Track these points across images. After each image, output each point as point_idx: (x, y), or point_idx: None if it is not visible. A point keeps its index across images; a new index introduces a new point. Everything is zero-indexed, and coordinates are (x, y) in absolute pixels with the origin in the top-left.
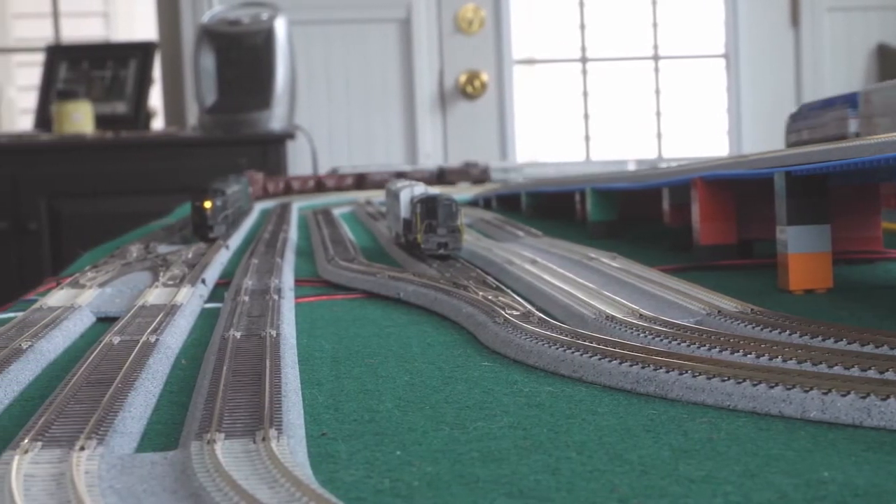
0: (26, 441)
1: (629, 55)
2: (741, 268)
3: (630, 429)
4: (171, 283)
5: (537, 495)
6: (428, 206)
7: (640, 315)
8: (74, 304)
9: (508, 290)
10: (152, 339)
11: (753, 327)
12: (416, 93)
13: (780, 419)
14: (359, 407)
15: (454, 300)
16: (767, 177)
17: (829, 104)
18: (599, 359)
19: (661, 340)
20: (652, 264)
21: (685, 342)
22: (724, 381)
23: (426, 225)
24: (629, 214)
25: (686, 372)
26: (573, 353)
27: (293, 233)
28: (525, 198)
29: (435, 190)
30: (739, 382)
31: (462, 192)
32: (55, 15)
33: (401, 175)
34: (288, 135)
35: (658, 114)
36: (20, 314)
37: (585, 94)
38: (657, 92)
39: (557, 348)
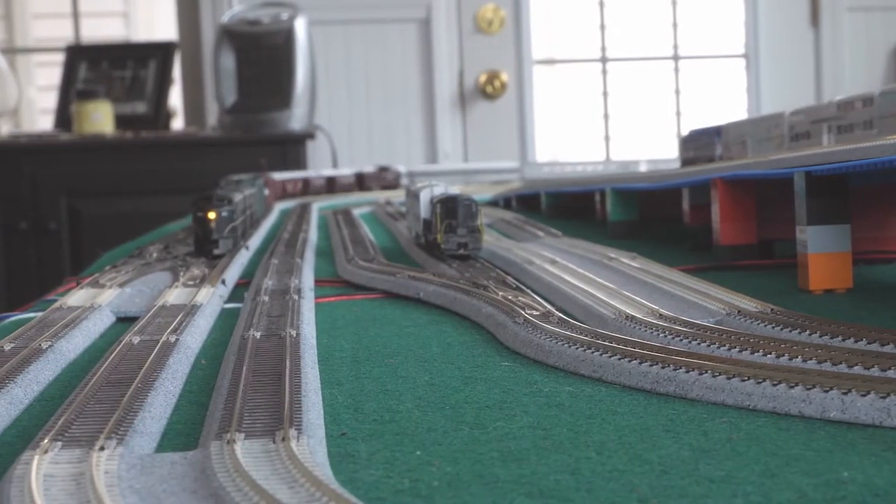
0: (46, 441)
1: (649, 55)
2: (761, 268)
3: (650, 429)
4: (191, 283)
5: (557, 495)
6: (448, 206)
7: (660, 315)
8: (94, 303)
9: (528, 290)
10: (172, 338)
11: (773, 327)
12: (435, 93)
13: (800, 419)
14: (379, 407)
15: (474, 300)
16: (787, 177)
17: (705, 133)
18: (619, 359)
19: (681, 340)
20: (672, 264)
21: (705, 342)
22: (743, 380)
23: (446, 225)
24: (649, 214)
25: (706, 372)
26: (593, 353)
27: (313, 233)
28: (545, 198)
29: (455, 190)
30: (759, 382)
31: (482, 191)
32: (75, 15)
33: (330, 180)
34: (308, 135)
35: (678, 114)
36: (40, 314)
37: (605, 94)
38: (677, 92)
39: (577, 348)
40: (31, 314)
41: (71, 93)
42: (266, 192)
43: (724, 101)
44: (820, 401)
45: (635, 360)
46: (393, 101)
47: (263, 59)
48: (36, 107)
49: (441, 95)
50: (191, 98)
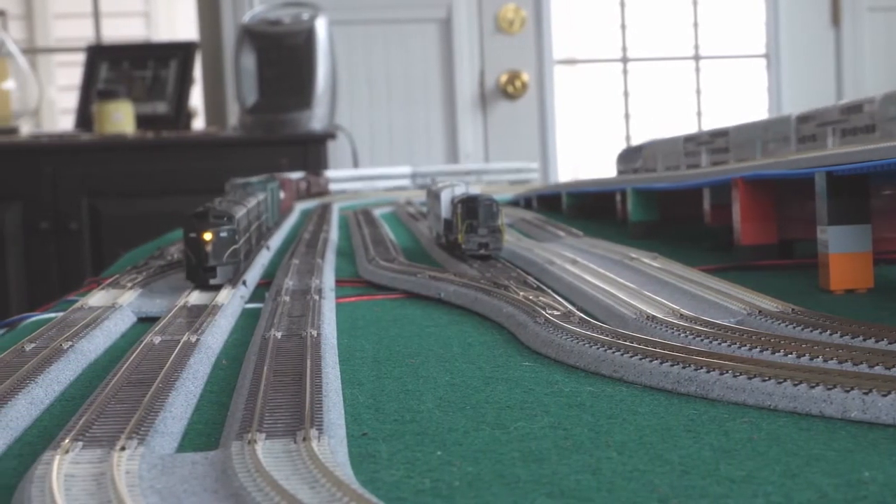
0: (67, 441)
1: (670, 55)
2: (782, 268)
3: (671, 429)
4: None
5: (578, 495)
6: (469, 206)
7: (681, 315)
8: (115, 304)
9: (549, 290)
10: (193, 339)
11: (794, 327)
12: (456, 93)
13: (821, 419)
14: (399, 407)
15: (495, 300)
16: (808, 177)
17: (638, 149)
18: (640, 359)
19: (702, 340)
20: (693, 264)
21: (726, 342)
22: (764, 381)
23: (467, 225)
24: (670, 214)
25: (727, 372)
26: (614, 352)
27: (334, 233)
28: (565, 198)
29: (476, 190)
30: (780, 382)
31: (503, 191)
32: (96, 15)
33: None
34: (329, 135)
35: (699, 114)
36: (61, 314)
37: (626, 93)
38: (698, 92)
39: (598, 348)
40: (52, 314)
41: (92, 93)
42: (282, 194)
43: (744, 101)
44: (841, 401)
45: (656, 360)
46: (414, 101)
47: (284, 59)
48: (57, 107)
49: (462, 95)
50: (211, 98)
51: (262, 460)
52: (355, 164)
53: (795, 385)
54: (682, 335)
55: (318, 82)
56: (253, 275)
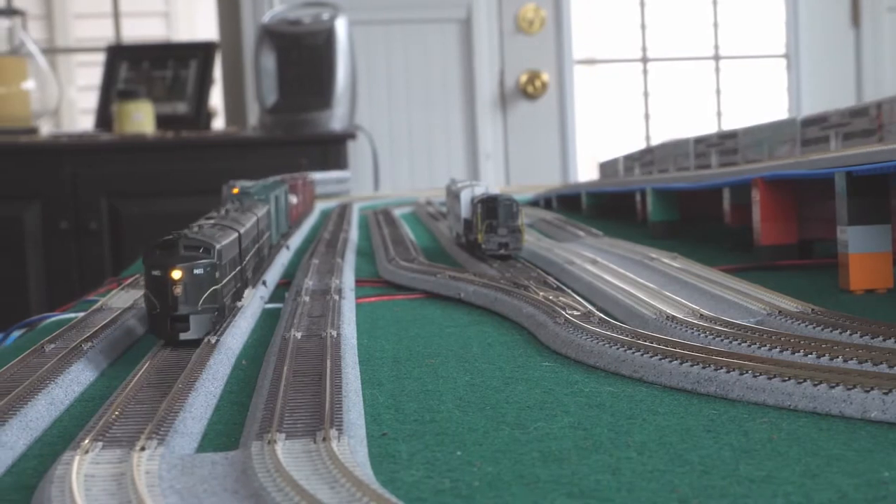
0: (87, 441)
1: (690, 55)
2: (802, 268)
3: (690, 429)
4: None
5: (598, 495)
6: (488, 206)
7: (701, 315)
8: (135, 304)
9: (569, 291)
10: (213, 339)
11: (814, 327)
12: (476, 93)
13: (841, 419)
14: (419, 407)
15: (515, 300)
16: (828, 177)
17: (616, 161)
18: (660, 359)
19: (722, 340)
20: (713, 264)
21: (746, 342)
22: (784, 381)
23: (487, 225)
24: (690, 214)
25: (746, 372)
26: (634, 353)
27: (354, 233)
28: (585, 198)
29: (496, 190)
30: (800, 382)
31: (523, 191)
32: (116, 15)
33: None
34: (349, 135)
35: (719, 114)
36: (81, 314)
37: (646, 93)
38: (718, 92)
39: (618, 348)
40: (72, 314)
41: (112, 93)
42: (295, 199)
43: (764, 101)
44: (861, 401)
45: (676, 360)
46: (433, 101)
47: (304, 59)
48: (77, 107)
49: (482, 95)
50: (231, 98)
51: (282, 460)
52: (375, 164)
53: (815, 385)
54: (702, 335)
55: (338, 82)
56: (273, 275)
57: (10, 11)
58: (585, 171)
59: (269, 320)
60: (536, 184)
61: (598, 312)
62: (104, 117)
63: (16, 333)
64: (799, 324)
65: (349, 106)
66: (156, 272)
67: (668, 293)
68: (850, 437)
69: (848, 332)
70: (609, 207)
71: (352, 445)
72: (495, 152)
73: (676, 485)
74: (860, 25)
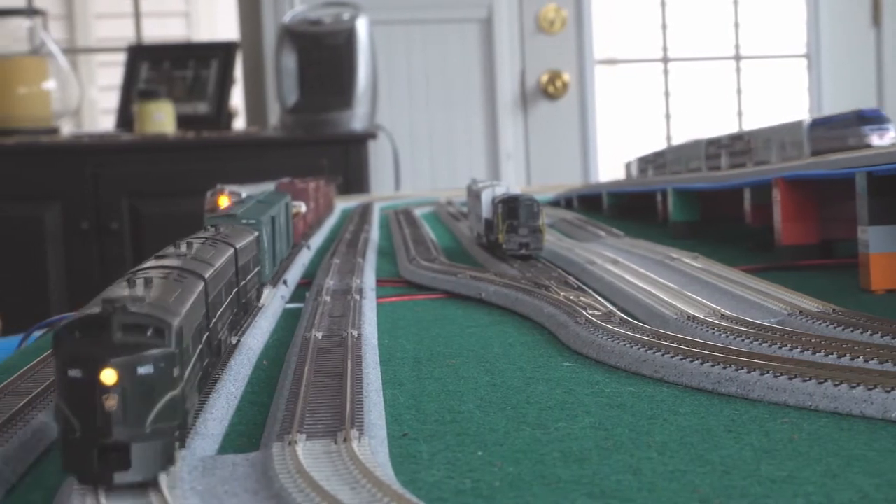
0: None
1: (710, 55)
2: (822, 268)
3: (711, 429)
4: None
5: (619, 496)
6: (509, 206)
7: (722, 315)
8: None
9: (590, 291)
10: (234, 340)
11: (835, 327)
12: (497, 93)
13: (862, 419)
14: (440, 407)
15: (535, 300)
16: (849, 177)
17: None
18: (681, 359)
19: (743, 341)
20: (733, 264)
21: (767, 342)
22: (805, 381)
23: (508, 225)
24: (711, 214)
25: (767, 372)
26: (655, 353)
27: (374, 233)
28: (606, 198)
29: (517, 190)
30: (821, 382)
31: (543, 191)
32: (136, 15)
33: None
34: (369, 134)
35: (739, 114)
36: None
37: (667, 93)
38: (738, 92)
39: (639, 348)
40: None
41: (132, 93)
42: (304, 208)
43: (785, 101)
44: (881, 401)
45: (697, 360)
46: (454, 101)
47: (325, 58)
48: (97, 107)
49: (503, 95)
50: (252, 98)
51: (303, 461)
52: (396, 164)
53: (836, 385)
54: (723, 335)
55: (359, 82)
56: (294, 274)
57: (31, 11)
58: (606, 172)
59: (289, 320)
60: (557, 184)
61: (618, 312)
62: (125, 117)
63: (36, 334)
64: (820, 324)
65: (370, 106)
66: (74, 372)
67: (688, 293)
68: (871, 438)
69: (869, 332)
70: (630, 207)
71: (373, 446)
72: (516, 152)
73: (697, 485)
74: (881, 25)
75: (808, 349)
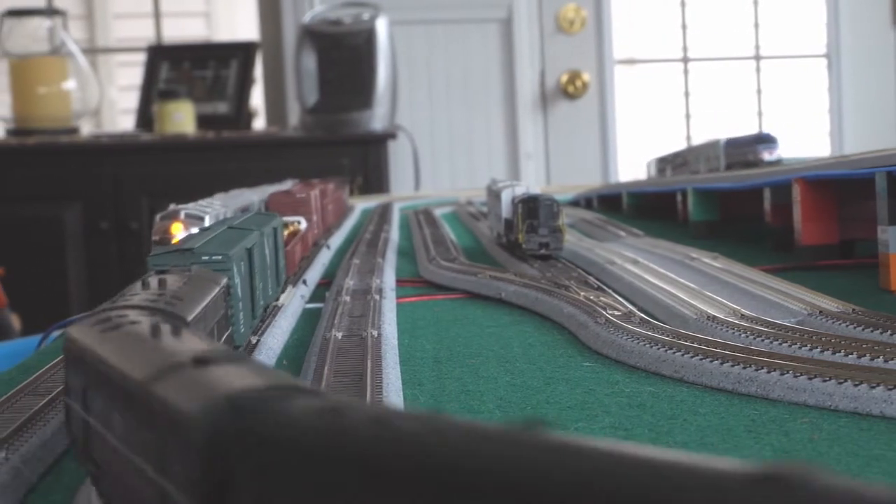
0: None
1: (730, 55)
2: (843, 268)
3: (731, 429)
4: None
5: None
6: (529, 206)
7: (742, 315)
8: None
9: (610, 291)
10: (254, 339)
11: (855, 327)
12: (517, 93)
13: (882, 419)
14: (460, 408)
15: (555, 300)
16: (869, 177)
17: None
18: (701, 359)
19: (763, 341)
20: (753, 264)
21: (786, 342)
22: (825, 381)
23: (527, 225)
24: (731, 214)
25: (787, 372)
26: (674, 353)
27: (394, 233)
28: (626, 197)
29: (536, 190)
30: (841, 383)
31: (563, 191)
32: (156, 15)
33: None
34: (389, 135)
35: (759, 114)
36: None
37: (687, 93)
38: (758, 92)
39: (659, 349)
40: None
41: (152, 93)
42: (303, 225)
43: (805, 102)
44: None
45: (717, 360)
46: (474, 101)
47: (345, 58)
48: (117, 107)
49: (522, 95)
50: (272, 98)
51: None
52: (416, 164)
53: (856, 385)
54: (743, 335)
55: (379, 82)
56: (313, 274)
57: (50, 11)
58: (627, 172)
59: (309, 320)
60: (577, 184)
61: (638, 312)
62: (145, 117)
63: (55, 333)
64: (840, 324)
65: (390, 106)
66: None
67: (708, 293)
68: (892, 438)
69: (889, 332)
70: (650, 207)
71: None
72: (536, 152)
73: None
74: None
75: (828, 349)
